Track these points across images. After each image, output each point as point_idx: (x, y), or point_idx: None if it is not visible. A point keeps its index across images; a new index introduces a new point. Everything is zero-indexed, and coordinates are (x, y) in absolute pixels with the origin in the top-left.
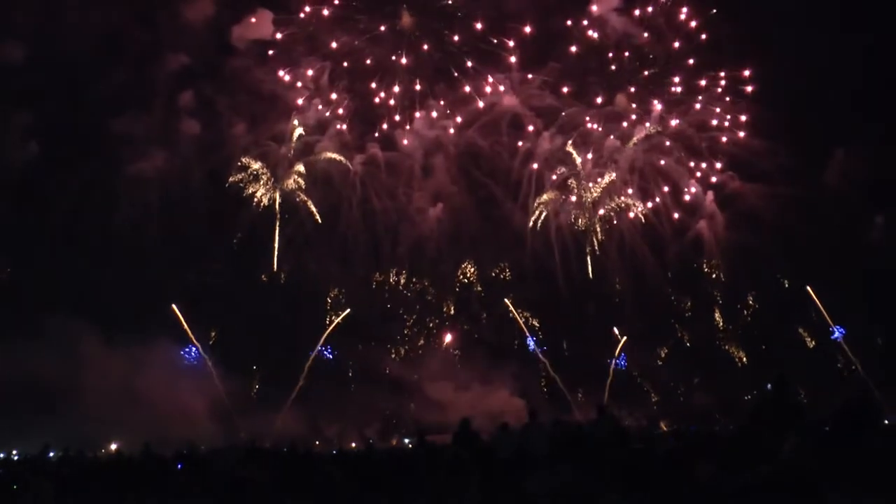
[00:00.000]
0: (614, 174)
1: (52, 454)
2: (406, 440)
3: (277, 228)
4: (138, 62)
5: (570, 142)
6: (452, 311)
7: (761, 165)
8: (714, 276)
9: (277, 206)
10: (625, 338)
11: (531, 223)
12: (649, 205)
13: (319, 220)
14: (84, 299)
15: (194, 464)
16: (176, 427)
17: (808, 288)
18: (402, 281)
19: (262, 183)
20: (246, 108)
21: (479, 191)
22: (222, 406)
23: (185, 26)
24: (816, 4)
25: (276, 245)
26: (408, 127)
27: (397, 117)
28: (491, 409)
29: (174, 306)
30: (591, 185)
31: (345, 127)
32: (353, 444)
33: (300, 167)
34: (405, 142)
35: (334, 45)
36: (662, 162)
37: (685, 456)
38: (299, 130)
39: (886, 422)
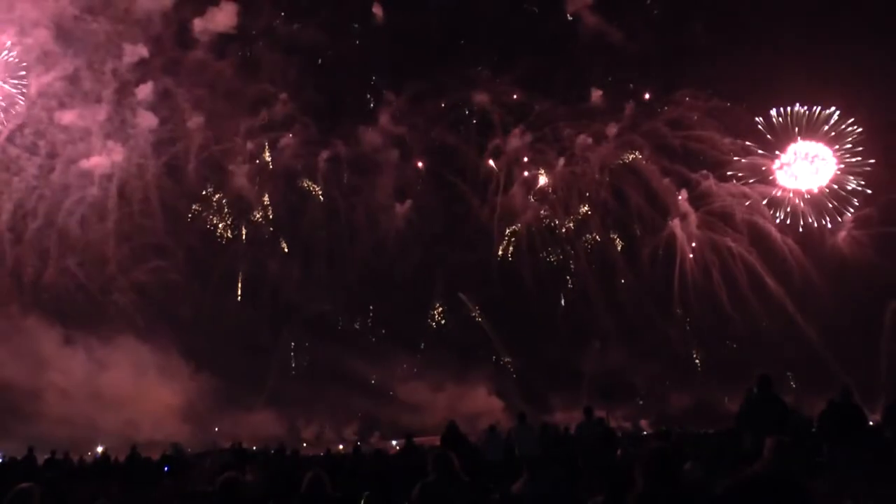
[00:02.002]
0: (587, 207)
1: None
2: (394, 442)
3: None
4: (93, 53)
5: (540, 170)
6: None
7: (735, 164)
8: (688, 319)
9: (244, 237)
10: (598, 342)
11: (500, 252)
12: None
13: (287, 250)
14: (43, 298)
15: (181, 467)
16: (151, 427)
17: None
18: (370, 321)
19: (224, 214)
20: (207, 102)
21: (446, 188)
22: (195, 406)
23: (144, 17)
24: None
25: (240, 279)
26: (374, 123)
27: (364, 112)
28: (468, 409)
29: (120, 299)
30: (565, 220)
31: (309, 122)
32: (341, 447)
33: (265, 198)
34: (371, 138)
35: (300, 38)
36: (633, 159)
37: (674, 458)
38: (266, 155)
39: (871, 423)
